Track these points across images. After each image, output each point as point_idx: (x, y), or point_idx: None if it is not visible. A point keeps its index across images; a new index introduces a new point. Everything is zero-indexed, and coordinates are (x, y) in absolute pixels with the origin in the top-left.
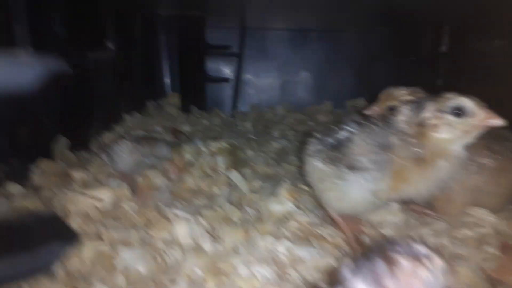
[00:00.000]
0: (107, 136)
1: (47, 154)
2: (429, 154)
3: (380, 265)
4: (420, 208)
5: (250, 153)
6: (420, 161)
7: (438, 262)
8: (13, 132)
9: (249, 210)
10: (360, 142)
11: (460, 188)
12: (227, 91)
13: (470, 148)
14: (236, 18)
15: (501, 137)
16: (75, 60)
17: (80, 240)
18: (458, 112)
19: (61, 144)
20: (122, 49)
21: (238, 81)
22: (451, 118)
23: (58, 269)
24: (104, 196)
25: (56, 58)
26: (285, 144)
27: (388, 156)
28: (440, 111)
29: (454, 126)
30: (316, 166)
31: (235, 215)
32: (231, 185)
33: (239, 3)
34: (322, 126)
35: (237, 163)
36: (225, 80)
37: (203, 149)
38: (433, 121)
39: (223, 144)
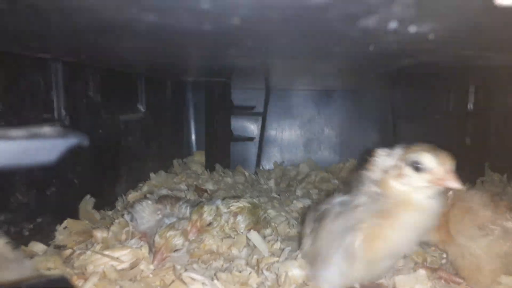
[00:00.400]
0: (132, 195)
1: (74, 213)
2: (393, 205)
3: None
4: (449, 275)
5: (272, 212)
6: (386, 213)
7: None
8: (42, 192)
9: (267, 274)
10: (325, 230)
11: (487, 255)
12: (251, 149)
13: (493, 211)
14: (261, 81)
15: None
16: (106, 122)
17: None
18: (417, 166)
19: (88, 203)
20: (151, 111)
21: (262, 140)
22: (409, 171)
23: None
24: (123, 256)
25: (88, 121)
26: (308, 203)
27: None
28: (402, 161)
29: (411, 179)
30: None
31: (253, 279)
32: (251, 246)
33: (263, 71)
34: (346, 185)
35: (258, 223)
36: (250, 139)
37: (224, 209)
38: (395, 171)
39: (244, 203)
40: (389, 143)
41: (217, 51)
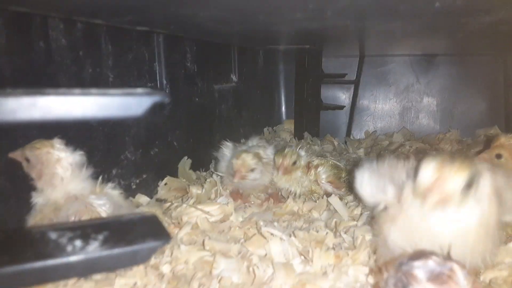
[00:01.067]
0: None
1: (173, 172)
2: None
3: None
4: None
5: None
6: None
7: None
8: (147, 152)
9: (345, 236)
10: None
11: None
12: (342, 118)
13: None
14: (354, 47)
15: None
16: (202, 91)
17: (170, 239)
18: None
19: (185, 164)
20: (243, 80)
21: (353, 108)
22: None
23: (167, 269)
24: (213, 211)
25: (186, 89)
26: None
27: None
28: None
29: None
30: None
31: (329, 239)
32: (331, 210)
33: (357, 37)
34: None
35: (339, 179)
36: (340, 107)
37: (302, 153)
38: None
39: (325, 160)
40: (498, 112)
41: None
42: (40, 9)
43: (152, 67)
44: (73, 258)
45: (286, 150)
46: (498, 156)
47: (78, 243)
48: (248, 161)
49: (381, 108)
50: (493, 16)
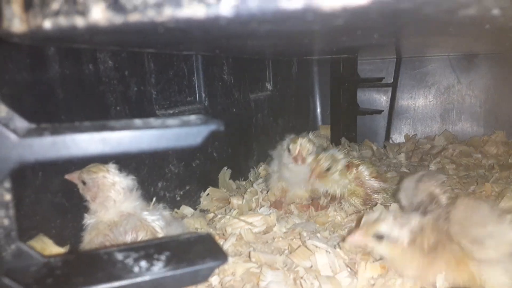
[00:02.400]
0: (263, 167)
1: (214, 182)
2: None
3: None
4: None
5: None
6: None
7: None
8: (189, 164)
9: None
10: None
11: None
12: (380, 122)
13: None
14: (391, 51)
15: None
16: (239, 101)
17: (228, 259)
18: None
19: (225, 174)
20: (278, 88)
21: (392, 112)
22: None
23: (215, 281)
24: (256, 222)
25: (223, 101)
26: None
27: None
28: None
29: None
30: None
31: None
32: None
33: (393, 44)
34: (492, 159)
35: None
36: (378, 112)
37: (340, 156)
38: None
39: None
40: None
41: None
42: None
43: (191, 82)
44: (142, 279)
45: (321, 155)
46: None
47: (143, 264)
48: (305, 146)
49: (421, 111)
50: None
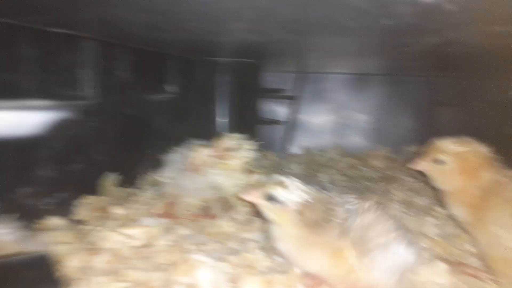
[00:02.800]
0: (155, 174)
1: (95, 189)
2: None
3: None
4: (473, 270)
5: None
6: None
7: None
8: (66, 167)
9: (278, 259)
10: None
11: None
12: (279, 133)
13: None
14: (292, 63)
15: None
16: (133, 102)
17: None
18: None
19: (110, 180)
20: (179, 92)
21: (290, 124)
22: None
23: None
24: (137, 234)
25: (116, 100)
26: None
27: None
28: None
29: None
30: None
31: (263, 263)
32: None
33: (296, 54)
34: (376, 172)
35: None
36: (277, 122)
37: (247, 146)
38: None
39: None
40: (425, 131)
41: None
42: None
43: (78, 75)
44: None
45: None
46: (437, 162)
47: None
48: (204, 153)
49: (317, 124)
50: (440, 37)
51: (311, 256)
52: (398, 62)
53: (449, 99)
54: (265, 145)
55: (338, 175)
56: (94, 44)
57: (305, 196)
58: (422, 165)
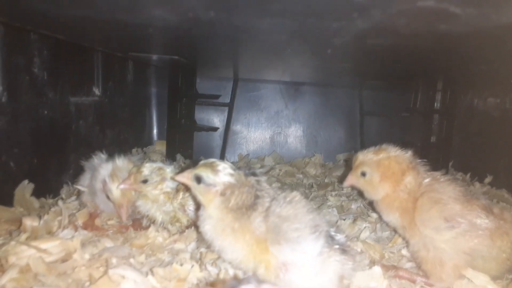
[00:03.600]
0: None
1: (8, 199)
2: None
3: None
4: (407, 273)
5: None
6: None
7: None
8: None
9: (210, 269)
10: None
11: (451, 250)
12: (216, 140)
13: (463, 206)
14: (229, 69)
15: (499, 197)
16: (54, 103)
17: None
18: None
19: (25, 189)
20: (109, 95)
21: (227, 131)
22: None
23: None
24: (52, 248)
25: (31, 100)
26: None
27: None
28: None
29: None
30: None
31: (193, 274)
32: (199, 239)
33: (232, 55)
34: (311, 179)
35: None
36: (214, 129)
37: (170, 174)
38: None
39: None
40: (355, 139)
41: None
42: None
43: None
44: None
45: (147, 164)
46: (363, 174)
47: None
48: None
49: (254, 132)
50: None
51: (231, 242)
52: (330, 72)
53: (378, 109)
54: (202, 153)
55: (274, 182)
56: (3, 31)
57: (230, 179)
58: (351, 180)
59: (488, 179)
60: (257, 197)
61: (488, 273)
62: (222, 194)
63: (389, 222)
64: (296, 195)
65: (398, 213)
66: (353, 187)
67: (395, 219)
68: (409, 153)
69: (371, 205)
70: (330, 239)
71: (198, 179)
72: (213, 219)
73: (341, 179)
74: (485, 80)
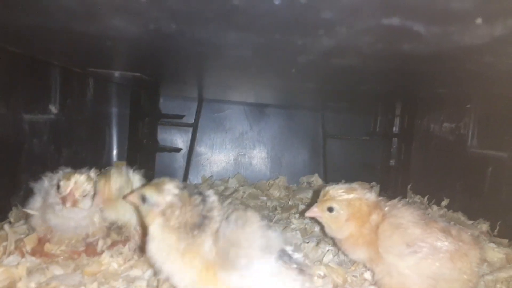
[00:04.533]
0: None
1: None
2: None
3: None
4: None
5: None
6: None
7: None
8: None
9: None
10: None
11: (415, 274)
12: (179, 161)
13: (423, 229)
14: (193, 89)
15: (455, 220)
16: (4, 119)
17: None
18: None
19: None
20: (66, 112)
21: (191, 152)
22: None
23: None
24: None
25: None
26: None
27: None
28: None
29: None
30: None
31: None
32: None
33: (196, 72)
34: (275, 201)
35: None
36: (177, 150)
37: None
38: None
39: None
40: (318, 161)
41: None
42: None
43: None
44: None
45: (113, 174)
46: (330, 209)
47: None
48: (81, 185)
49: (218, 153)
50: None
51: (179, 268)
52: (293, 95)
53: (340, 132)
54: (164, 174)
55: (239, 205)
56: None
57: (172, 199)
58: (315, 213)
59: (444, 202)
60: (205, 217)
61: None
62: (163, 213)
63: (357, 259)
64: (248, 215)
65: (364, 248)
66: (314, 219)
67: (363, 255)
68: (374, 193)
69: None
70: (288, 258)
71: (143, 198)
72: (156, 240)
73: (304, 211)
74: (441, 105)
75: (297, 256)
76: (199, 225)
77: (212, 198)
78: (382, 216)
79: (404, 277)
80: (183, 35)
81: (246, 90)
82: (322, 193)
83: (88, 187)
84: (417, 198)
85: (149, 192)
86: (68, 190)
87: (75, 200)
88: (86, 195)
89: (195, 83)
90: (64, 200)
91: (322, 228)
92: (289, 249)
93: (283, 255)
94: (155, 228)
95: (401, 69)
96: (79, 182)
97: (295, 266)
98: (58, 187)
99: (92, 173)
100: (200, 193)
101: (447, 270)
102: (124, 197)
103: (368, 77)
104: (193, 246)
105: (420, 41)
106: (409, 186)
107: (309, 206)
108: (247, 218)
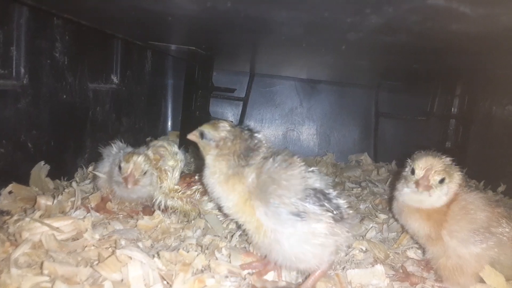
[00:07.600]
0: (93, 167)
1: (24, 178)
2: None
3: None
4: (420, 279)
5: None
6: None
7: None
8: None
9: (218, 255)
10: None
11: (473, 260)
12: None
13: (490, 217)
14: (246, 63)
15: (511, 207)
16: (72, 88)
17: None
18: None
19: (41, 170)
20: (127, 83)
21: (241, 125)
22: None
23: None
24: (64, 227)
25: (51, 84)
26: None
27: None
28: None
29: None
30: None
31: (199, 261)
32: (206, 227)
33: (249, 48)
34: None
35: None
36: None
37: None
38: None
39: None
40: (369, 140)
41: None
42: None
43: (7, 51)
44: None
45: (134, 157)
46: (441, 181)
47: None
48: (140, 165)
49: (267, 127)
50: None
51: (226, 190)
52: (347, 71)
53: (394, 111)
54: None
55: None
56: (28, 18)
57: (226, 134)
58: (427, 186)
59: (501, 188)
60: (250, 149)
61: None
62: (217, 146)
63: (416, 229)
64: (293, 159)
65: (429, 224)
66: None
67: (423, 231)
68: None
69: (376, 206)
70: (327, 200)
71: (202, 135)
72: (210, 167)
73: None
74: (504, 87)
75: (340, 201)
76: (245, 155)
77: (260, 136)
78: (456, 196)
79: (462, 260)
80: (237, 12)
81: (297, 66)
82: (423, 164)
83: (146, 166)
84: (472, 183)
85: (207, 129)
86: (129, 172)
87: (135, 180)
88: (145, 173)
89: (247, 58)
90: (126, 180)
91: (367, 206)
92: (331, 192)
93: (321, 198)
94: (210, 157)
95: (452, 48)
96: (137, 163)
97: (336, 212)
98: (120, 168)
99: (150, 152)
100: (250, 130)
101: (504, 256)
102: (188, 136)
103: (421, 55)
104: (238, 174)
105: (467, 21)
106: (464, 170)
107: (356, 184)
108: (292, 161)
